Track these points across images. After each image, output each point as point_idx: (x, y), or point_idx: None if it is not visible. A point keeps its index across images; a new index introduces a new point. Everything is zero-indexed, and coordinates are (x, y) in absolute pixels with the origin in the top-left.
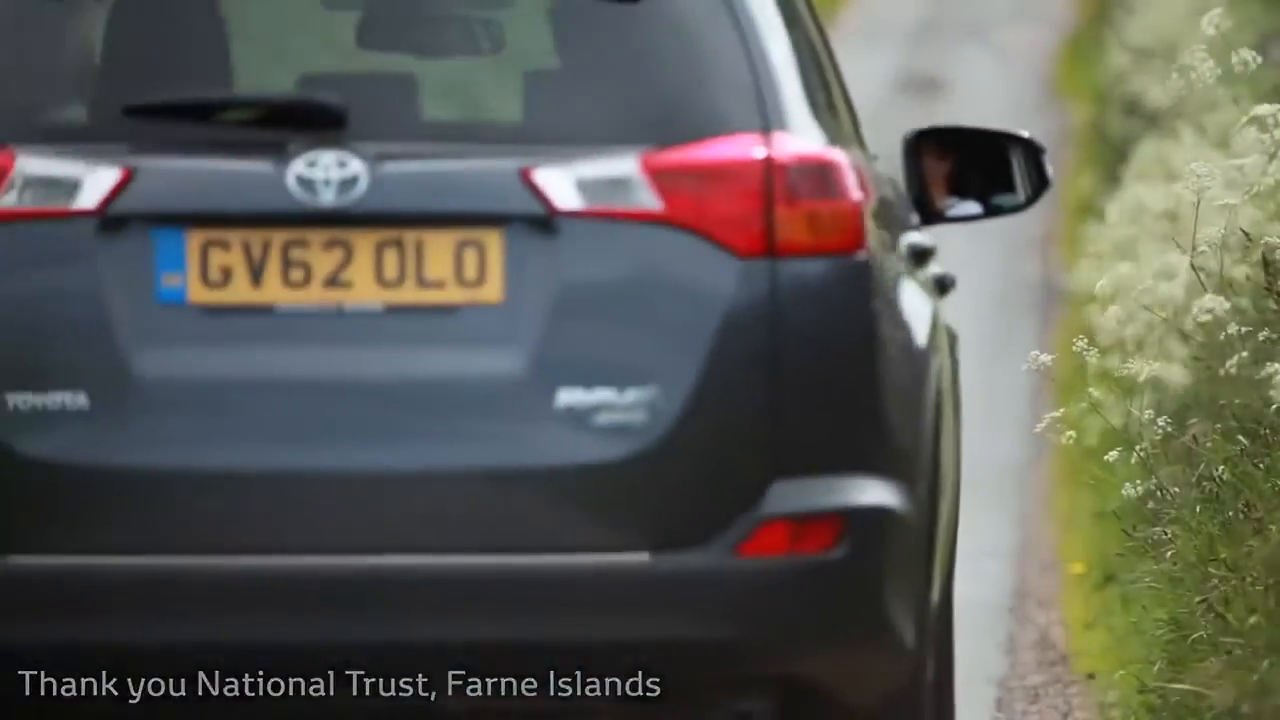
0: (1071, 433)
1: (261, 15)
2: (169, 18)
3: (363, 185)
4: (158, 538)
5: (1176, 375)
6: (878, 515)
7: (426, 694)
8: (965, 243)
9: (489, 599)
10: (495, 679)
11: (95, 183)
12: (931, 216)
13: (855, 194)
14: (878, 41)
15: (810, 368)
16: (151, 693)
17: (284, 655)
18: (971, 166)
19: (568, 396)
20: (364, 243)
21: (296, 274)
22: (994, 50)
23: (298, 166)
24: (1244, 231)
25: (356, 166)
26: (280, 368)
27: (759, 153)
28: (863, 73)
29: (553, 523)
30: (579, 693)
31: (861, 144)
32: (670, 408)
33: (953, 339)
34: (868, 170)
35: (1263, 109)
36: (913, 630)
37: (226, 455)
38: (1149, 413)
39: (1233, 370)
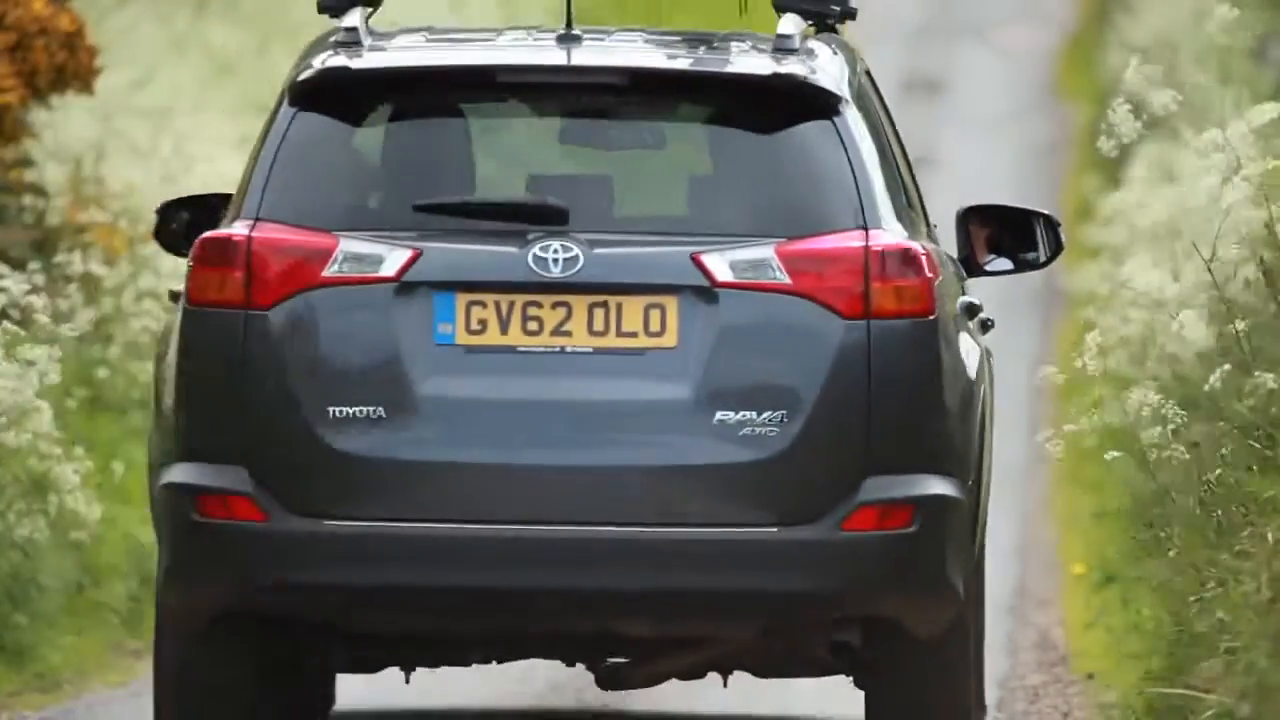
0: (1062, 442)
1: (492, 128)
2: (430, 137)
3: (580, 263)
4: (432, 510)
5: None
6: (940, 502)
7: (612, 625)
8: None
9: (661, 559)
10: (663, 618)
11: (393, 258)
12: (975, 270)
13: (928, 274)
14: (879, 42)
15: (893, 398)
16: (419, 620)
17: (514, 596)
18: (1005, 232)
19: (721, 415)
20: (580, 304)
21: (532, 325)
22: (994, 50)
23: (534, 249)
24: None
25: (576, 250)
26: (519, 391)
27: (859, 244)
28: None
29: (707, 505)
30: (722, 627)
31: (927, 222)
32: (794, 425)
33: (988, 353)
34: (935, 253)
35: (1265, 108)
36: (962, 582)
37: (482, 453)
38: (1156, 407)
39: (1217, 385)
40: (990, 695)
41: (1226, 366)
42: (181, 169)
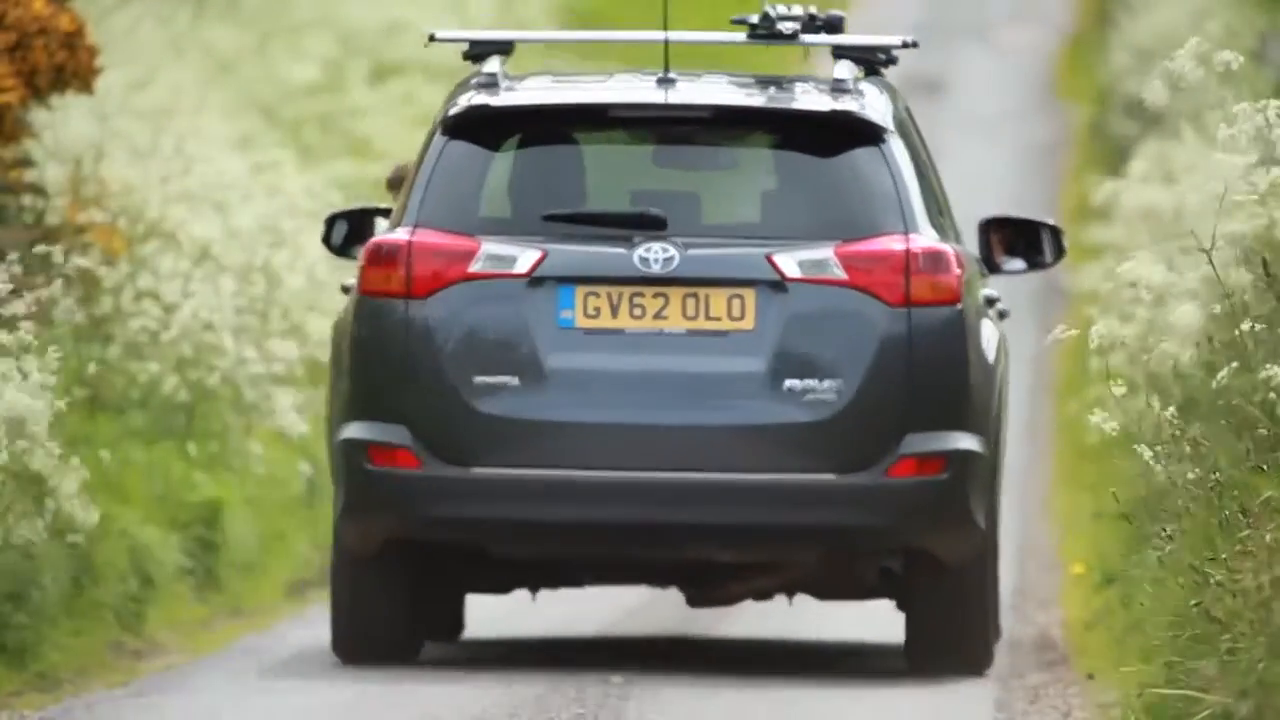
0: (1106, 416)
1: (603, 152)
2: (554, 160)
3: (676, 262)
4: (556, 459)
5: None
6: (966, 455)
7: (701, 554)
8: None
9: (740, 499)
10: (742, 547)
11: (524, 258)
12: (994, 269)
13: (955, 271)
14: None
15: (928, 371)
16: (543, 547)
17: (620, 529)
18: (1018, 238)
19: (789, 384)
20: (676, 295)
21: (637, 311)
22: (994, 51)
23: (639, 251)
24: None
25: (673, 251)
26: (626, 365)
27: (901, 246)
28: None
29: (779, 456)
30: (791, 554)
31: (954, 227)
32: (848, 392)
33: (1005, 337)
34: (962, 253)
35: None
36: (984, 520)
37: (596, 414)
38: (1160, 410)
39: (1224, 381)
40: (990, 695)
41: (1234, 364)
42: (181, 169)
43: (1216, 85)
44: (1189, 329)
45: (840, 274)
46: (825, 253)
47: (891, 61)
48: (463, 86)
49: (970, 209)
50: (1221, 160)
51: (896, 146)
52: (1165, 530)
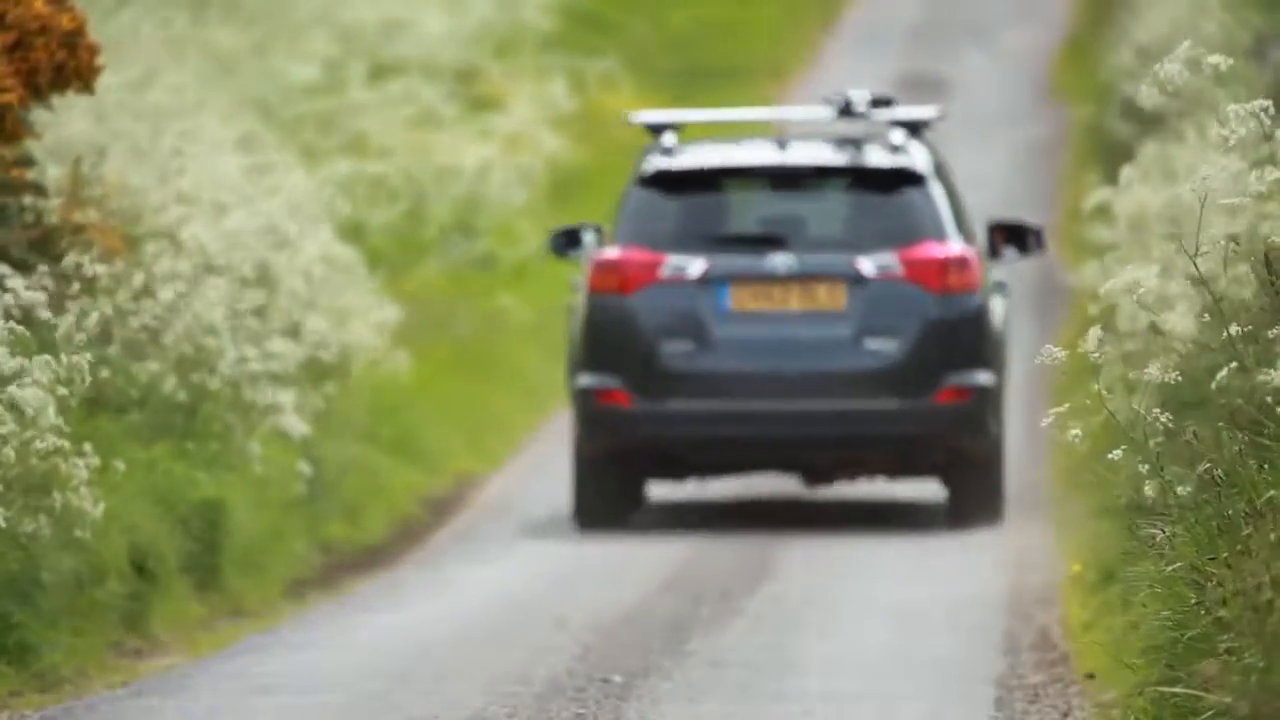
0: (1077, 430)
1: (743, 194)
2: (712, 199)
3: (795, 265)
4: (718, 396)
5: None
6: (985, 387)
7: (814, 453)
8: None
9: (842, 418)
10: (841, 449)
11: (695, 266)
12: (997, 256)
13: (976, 268)
14: (879, 42)
15: (958, 333)
16: (712, 452)
17: (763, 439)
18: (1013, 235)
19: (868, 344)
20: (794, 288)
21: (769, 299)
22: (993, 51)
23: (769, 259)
24: (1236, 240)
25: (791, 259)
26: (764, 334)
27: (941, 252)
28: (864, 73)
29: (860, 389)
30: (872, 453)
31: (972, 231)
32: (907, 348)
33: (1007, 306)
34: (979, 255)
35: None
36: (998, 428)
37: (744, 366)
38: (1154, 411)
39: (1224, 380)
40: (990, 695)
41: (1234, 364)
42: (180, 169)
43: (1210, 88)
44: (1185, 332)
45: (900, 271)
46: (890, 258)
47: (928, 126)
48: (651, 151)
49: (971, 207)
50: (1215, 161)
51: (934, 186)
52: (1164, 531)
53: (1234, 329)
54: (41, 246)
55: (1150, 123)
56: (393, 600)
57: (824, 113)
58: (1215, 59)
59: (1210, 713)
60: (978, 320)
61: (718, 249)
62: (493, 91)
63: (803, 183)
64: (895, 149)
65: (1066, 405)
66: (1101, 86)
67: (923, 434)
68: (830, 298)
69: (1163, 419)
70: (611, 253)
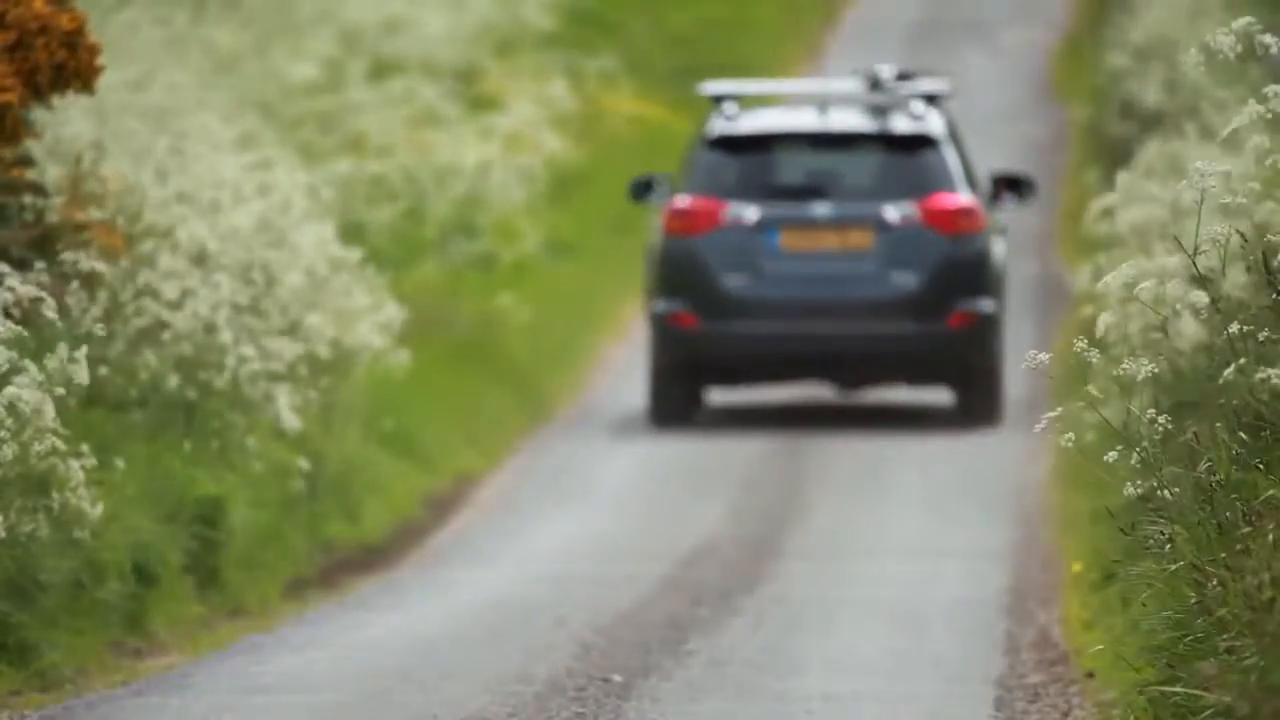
0: (1070, 435)
1: (790, 152)
2: (766, 156)
3: (832, 213)
4: (770, 318)
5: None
6: (987, 314)
7: (847, 366)
8: None
9: (871, 339)
10: (870, 361)
11: (750, 213)
12: (997, 202)
13: (981, 214)
14: (879, 41)
15: (966, 267)
16: (764, 365)
17: (807, 354)
18: (1011, 185)
19: (893, 277)
20: (832, 230)
21: (812, 241)
22: (993, 50)
23: (811, 207)
24: (1241, 234)
25: (829, 207)
26: (808, 269)
27: (952, 202)
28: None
29: (885, 314)
30: (896, 366)
31: (978, 184)
32: (924, 280)
33: (1004, 245)
34: (983, 202)
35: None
36: (1000, 348)
37: (791, 294)
38: (1150, 411)
39: (1230, 376)
40: (990, 695)
41: (1242, 360)
42: (180, 168)
43: (1213, 86)
44: (1186, 332)
45: (919, 218)
46: (910, 207)
47: (943, 98)
48: (715, 115)
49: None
50: (1215, 160)
51: (948, 148)
52: (1163, 531)
53: (1234, 329)
54: (42, 245)
55: (1149, 122)
56: (392, 600)
57: (857, 86)
58: (1227, 40)
59: (1210, 712)
60: (982, 258)
61: (769, 199)
62: (493, 91)
63: (839, 144)
64: (916, 117)
65: (1060, 409)
66: (1100, 86)
67: (936, 351)
68: (861, 239)
69: (1161, 420)
70: (683, 201)
